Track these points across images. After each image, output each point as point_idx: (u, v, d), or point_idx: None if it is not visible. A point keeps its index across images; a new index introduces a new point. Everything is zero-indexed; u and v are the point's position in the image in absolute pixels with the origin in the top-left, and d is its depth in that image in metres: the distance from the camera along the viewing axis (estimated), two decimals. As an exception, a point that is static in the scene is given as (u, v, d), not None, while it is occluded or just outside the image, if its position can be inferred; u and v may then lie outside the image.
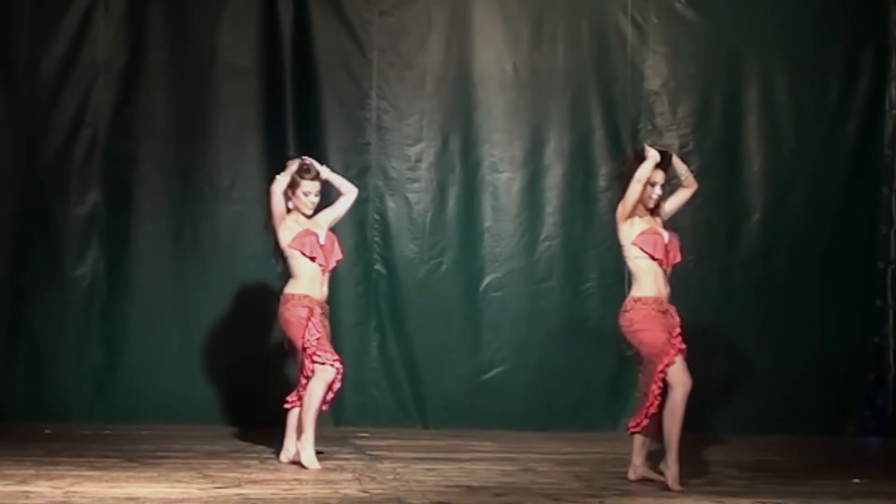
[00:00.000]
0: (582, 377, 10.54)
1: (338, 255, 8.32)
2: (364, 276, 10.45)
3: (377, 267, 10.53)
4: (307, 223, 8.27)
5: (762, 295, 10.67)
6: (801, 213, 10.76)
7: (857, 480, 8.02)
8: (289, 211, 8.27)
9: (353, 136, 10.57)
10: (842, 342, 10.70)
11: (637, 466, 7.76)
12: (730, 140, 10.74)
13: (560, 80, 10.69)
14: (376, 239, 10.48)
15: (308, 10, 10.52)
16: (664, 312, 7.65)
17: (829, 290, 10.73)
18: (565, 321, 10.61)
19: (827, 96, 10.80)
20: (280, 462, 8.28)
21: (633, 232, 7.71)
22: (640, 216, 7.74)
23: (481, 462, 8.58)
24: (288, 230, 8.22)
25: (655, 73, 10.72)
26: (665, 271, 7.71)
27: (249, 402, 10.27)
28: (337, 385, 8.12)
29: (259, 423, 9.80)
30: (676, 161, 7.93)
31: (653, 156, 7.70)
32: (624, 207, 7.73)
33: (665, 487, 7.48)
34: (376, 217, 10.47)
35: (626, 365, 10.26)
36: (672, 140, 10.67)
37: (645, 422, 7.61)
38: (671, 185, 7.96)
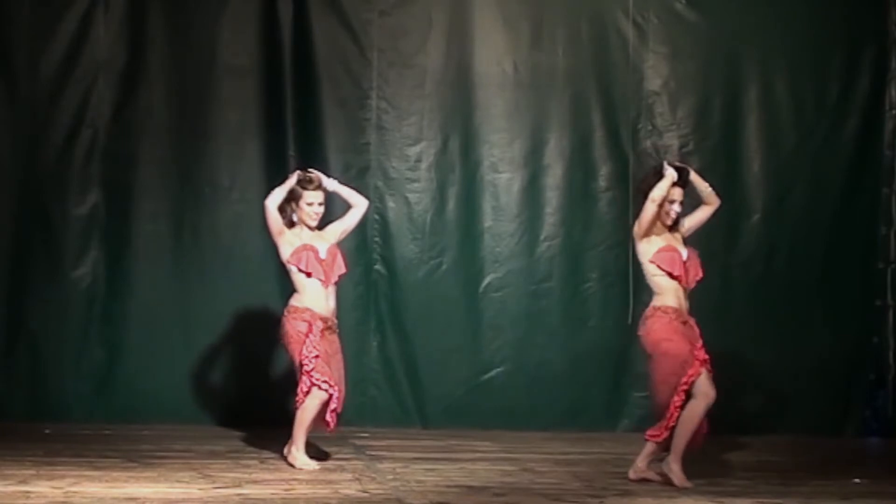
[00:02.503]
0: (582, 377, 10.54)
1: (340, 269, 8.25)
2: (364, 276, 10.44)
3: (377, 267, 10.53)
4: (311, 236, 8.22)
5: (762, 295, 10.67)
6: (801, 213, 10.76)
7: (857, 480, 8.02)
8: (293, 224, 8.24)
9: (352, 137, 10.56)
10: (842, 342, 10.69)
11: (640, 468, 7.76)
12: (730, 140, 10.74)
13: (560, 80, 10.68)
14: (376, 239, 10.48)
15: (308, 10, 10.51)
16: (685, 323, 7.64)
17: (829, 290, 10.73)
18: (565, 321, 10.60)
19: (827, 96, 10.80)
20: (283, 455, 8.28)
21: (651, 249, 7.71)
22: (659, 234, 7.73)
23: (481, 462, 8.58)
24: (288, 244, 8.18)
25: (655, 74, 10.72)
26: (685, 288, 7.71)
27: (249, 402, 10.28)
28: (334, 405, 8.06)
29: (259, 424, 9.81)
30: (695, 178, 7.87)
31: (670, 174, 7.68)
32: (640, 226, 7.72)
33: (669, 484, 7.50)
34: (376, 217, 10.46)
35: (626, 365, 10.30)
36: (672, 140, 10.67)
37: (665, 434, 7.61)
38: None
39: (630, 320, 9.85)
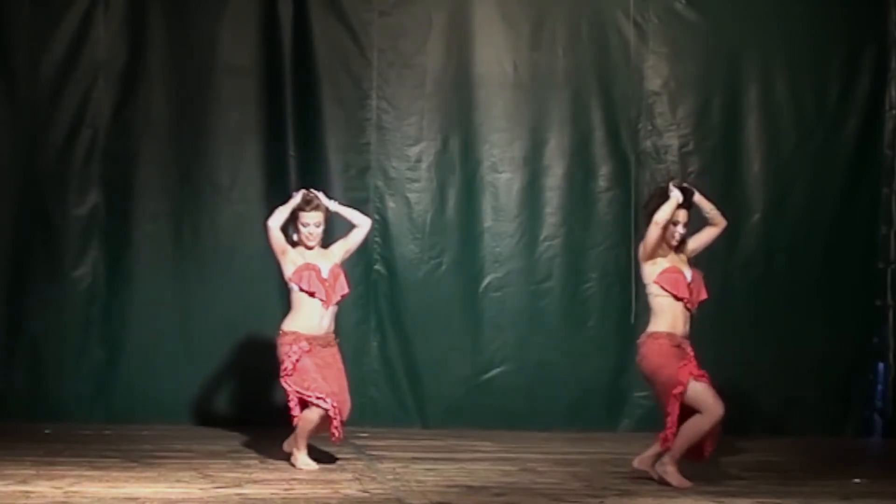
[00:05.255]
0: (582, 377, 10.54)
1: (343, 289, 8.22)
2: (364, 276, 10.43)
3: (377, 267, 10.53)
4: (314, 255, 8.20)
5: (762, 295, 10.67)
6: (801, 213, 10.77)
7: (857, 480, 8.02)
8: (295, 244, 8.23)
9: (352, 137, 10.57)
10: (842, 342, 10.70)
11: (646, 460, 7.74)
12: (730, 140, 10.74)
13: (560, 80, 10.69)
14: (376, 239, 10.47)
15: (308, 11, 10.52)
16: (677, 346, 7.63)
17: (829, 290, 10.73)
18: (565, 321, 10.61)
19: (827, 96, 10.81)
20: (283, 450, 8.27)
21: (655, 270, 7.68)
22: (664, 255, 7.71)
23: (481, 462, 8.58)
24: (290, 263, 8.16)
25: (655, 74, 10.72)
26: (688, 310, 7.69)
27: (249, 402, 10.28)
28: (335, 417, 7.98)
29: (259, 424, 9.81)
30: (700, 199, 7.82)
31: (675, 196, 7.64)
32: (645, 248, 7.70)
33: (668, 484, 7.51)
34: (376, 217, 10.44)
35: (625, 365, 10.29)
36: (672, 140, 10.68)
37: (671, 442, 7.60)
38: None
39: (633, 319, 9.89)
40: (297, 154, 10.42)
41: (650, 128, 10.71)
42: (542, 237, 10.65)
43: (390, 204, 10.56)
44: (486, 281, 10.59)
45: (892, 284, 10.81)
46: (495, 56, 10.68)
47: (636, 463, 7.82)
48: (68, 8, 10.39)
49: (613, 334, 10.45)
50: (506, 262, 10.62)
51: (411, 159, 10.61)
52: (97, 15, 10.41)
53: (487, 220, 10.63)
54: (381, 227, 10.52)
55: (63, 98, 10.38)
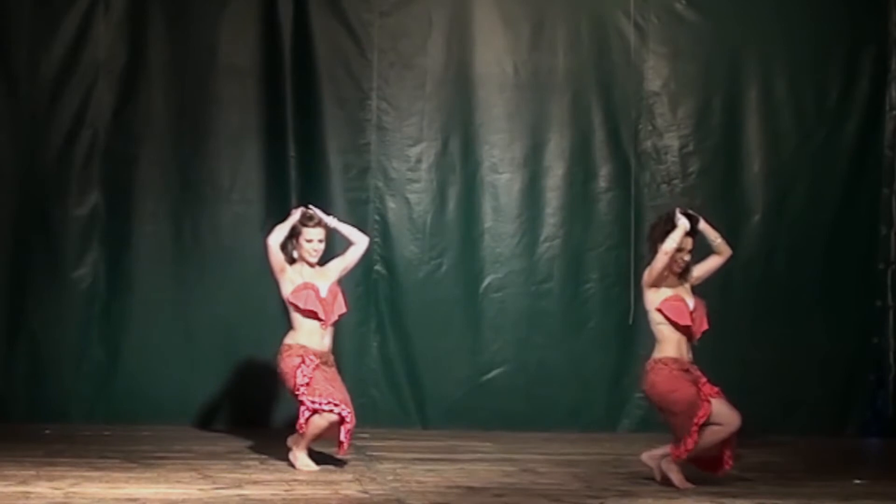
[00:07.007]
0: (582, 377, 10.55)
1: (341, 309, 8.19)
2: (364, 276, 10.43)
3: (377, 267, 10.53)
4: (312, 273, 8.17)
5: (762, 295, 10.68)
6: (801, 213, 10.77)
7: (857, 481, 8.02)
8: (294, 261, 8.21)
9: (353, 137, 10.56)
10: (842, 342, 10.70)
11: (655, 455, 7.72)
12: (730, 141, 10.75)
13: (560, 80, 10.69)
14: (376, 239, 10.45)
15: (308, 11, 10.52)
16: (685, 371, 7.61)
17: (829, 291, 10.74)
18: (565, 322, 10.61)
19: (827, 96, 10.81)
20: (286, 444, 8.26)
21: (658, 298, 7.65)
22: (668, 284, 7.67)
23: (481, 463, 8.59)
24: (289, 282, 8.13)
25: (656, 74, 10.72)
26: (690, 339, 7.67)
27: (249, 402, 10.29)
28: (348, 425, 7.95)
29: (259, 424, 9.82)
30: (705, 227, 7.77)
31: (682, 225, 7.59)
32: (650, 275, 7.67)
33: (669, 485, 7.51)
34: (376, 218, 10.46)
35: (626, 365, 10.30)
36: (672, 141, 10.68)
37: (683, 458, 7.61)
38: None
39: (631, 321, 9.89)
40: (297, 155, 10.41)
41: (650, 128, 10.71)
42: (542, 238, 10.65)
43: (390, 204, 10.56)
44: (486, 282, 10.59)
45: (893, 285, 10.82)
46: (495, 56, 10.68)
47: (644, 457, 7.81)
48: (68, 8, 10.39)
49: (613, 335, 10.45)
50: (506, 263, 10.62)
51: (411, 160, 10.61)
52: (97, 15, 10.41)
53: (487, 221, 10.63)
54: (382, 228, 10.52)
55: (63, 98, 10.38)
